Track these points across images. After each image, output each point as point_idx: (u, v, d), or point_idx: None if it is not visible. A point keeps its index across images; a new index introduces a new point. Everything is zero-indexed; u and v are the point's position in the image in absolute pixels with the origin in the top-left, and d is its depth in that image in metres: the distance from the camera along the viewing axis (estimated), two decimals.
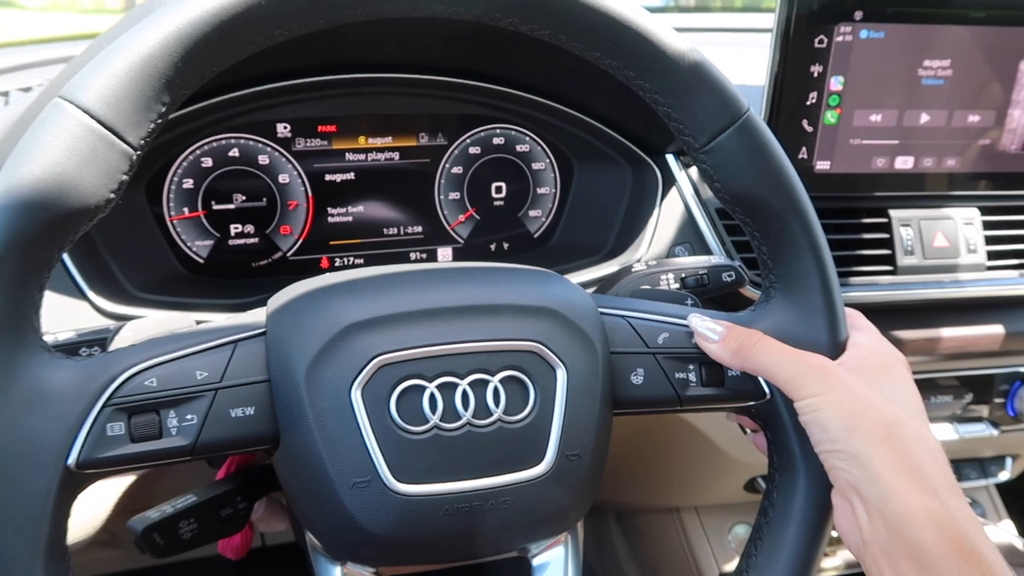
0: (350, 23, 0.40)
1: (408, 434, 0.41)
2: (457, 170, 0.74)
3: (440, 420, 0.42)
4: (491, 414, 0.43)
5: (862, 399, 0.42)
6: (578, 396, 0.45)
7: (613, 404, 0.48)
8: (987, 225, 0.76)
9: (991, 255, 0.75)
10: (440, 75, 0.71)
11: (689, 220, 0.71)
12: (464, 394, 0.42)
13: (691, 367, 0.49)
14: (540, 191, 0.77)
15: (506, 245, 0.78)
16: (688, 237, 0.71)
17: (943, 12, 0.69)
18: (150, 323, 0.51)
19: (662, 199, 0.71)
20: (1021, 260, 0.76)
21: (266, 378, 0.42)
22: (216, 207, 0.69)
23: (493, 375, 0.43)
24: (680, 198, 0.72)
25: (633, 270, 0.62)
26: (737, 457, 0.80)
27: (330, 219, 0.73)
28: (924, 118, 0.72)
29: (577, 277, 0.69)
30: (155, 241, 0.68)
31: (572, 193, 0.77)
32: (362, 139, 0.72)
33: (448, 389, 0.42)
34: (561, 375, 0.44)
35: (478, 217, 0.76)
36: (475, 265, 0.49)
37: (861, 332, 0.50)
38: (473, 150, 0.74)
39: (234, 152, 0.68)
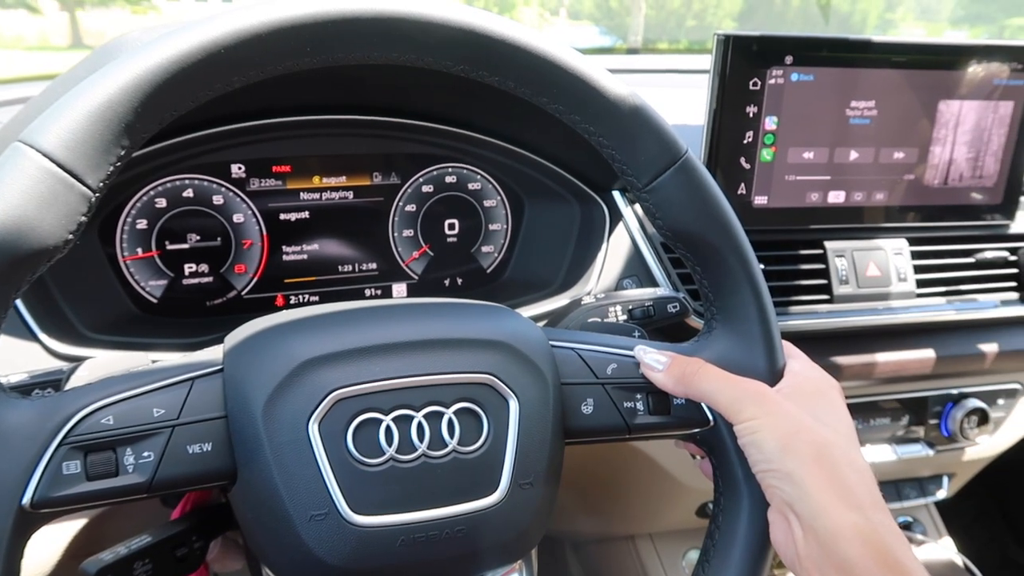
0: (307, 69, 0.42)
1: (365, 466, 0.42)
2: (411, 208, 0.76)
3: (396, 452, 0.43)
4: (446, 445, 0.44)
5: (796, 422, 0.45)
6: (530, 426, 0.46)
7: (564, 434, 0.49)
8: (915, 255, 0.80)
9: (920, 283, 0.80)
10: (393, 116, 0.73)
11: (636, 254, 0.74)
12: (419, 426, 0.44)
13: (639, 396, 0.51)
14: (492, 227, 0.79)
15: (460, 280, 0.79)
16: (635, 270, 0.74)
17: (867, 56, 0.74)
18: (106, 362, 0.52)
19: (609, 234, 0.74)
20: (948, 288, 0.81)
21: (223, 414, 0.43)
22: (170, 247, 0.69)
23: (447, 407, 0.45)
24: (627, 232, 0.75)
25: (583, 303, 0.64)
26: (688, 483, 0.82)
27: (285, 257, 0.73)
28: (853, 155, 0.76)
29: (529, 311, 0.71)
30: (107, 281, 0.68)
31: (523, 229, 0.79)
32: (316, 179, 0.73)
33: (404, 421, 0.43)
34: (513, 406, 0.46)
35: (432, 253, 0.78)
36: (428, 301, 0.51)
37: (795, 360, 0.53)
38: (426, 188, 0.76)
39: (188, 192, 0.69)
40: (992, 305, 0.82)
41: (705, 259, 0.51)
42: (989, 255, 0.82)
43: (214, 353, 0.46)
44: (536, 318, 0.70)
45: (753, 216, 0.76)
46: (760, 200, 0.76)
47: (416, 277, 0.78)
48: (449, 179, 0.77)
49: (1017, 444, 0.93)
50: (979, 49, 0.76)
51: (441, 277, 0.79)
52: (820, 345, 0.78)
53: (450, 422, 0.44)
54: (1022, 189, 0.82)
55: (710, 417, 0.51)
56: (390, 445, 0.43)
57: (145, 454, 0.40)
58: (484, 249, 0.79)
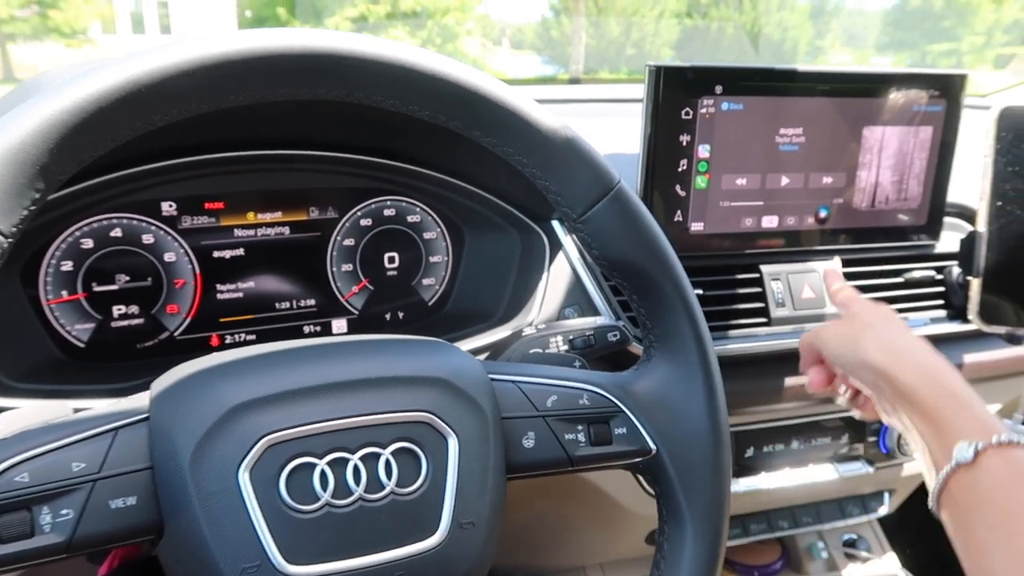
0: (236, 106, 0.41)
1: (299, 514, 0.41)
2: (349, 242, 0.75)
3: (331, 497, 0.42)
4: (383, 487, 0.43)
5: None
6: (470, 464, 0.46)
7: (507, 469, 0.49)
8: (848, 276, 0.82)
9: None
10: (328, 150, 0.72)
11: (577, 282, 0.74)
12: (355, 469, 0.43)
13: (580, 428, 0.51)
14: (432, 260, 0.78)
15: (401, 314, 0.78)
16: (577, 299, 0.74)
17: (793, 85, 0.76)
18: (23, 414, 0.49)
19: (550, 263, 0.74)
20: None
21: (148, 465, 0.41)
22: (97, 288, 0.67)
23: (384, 448, 0.44)
24: (567, 262, 0.75)
25: (524, 334, 0.64)
26: (635, 511, 0.82)
27: (219, 296, 0.72)
28: (784, 181, 0.78)
29: (471, 343, 0.70)
30: (30, 326, 0.65)
31: (464, 261, 0.79)
32: (251, 215, 0.72)
33: (339, 465, 0.42)
34: (453, 444, 0.45)
35: (372, 288, 0.77)
36: (363, 338, 0.50)
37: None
38: (364, 222, 0.75)
39: (116, 232, 0.67)
40: (922, 323, 0.84)
41: (641, 287, 0.51)
42: (917, 274, 0.85)
43: (140, 400, 0.44)
44: (478, 350, 0.69)
45: (690, 242, 0.77)
46: (696, 226, 0.77)
47: (356, 312, 0.77)
48: (388, 212, 0.76)
49: None
50: (899, 77, 0.79)
51: (382, 311, 0.78)
52: (760, 367, 0.79)
53: (387, 463, 0.43)
54: (945, 210, 0.85)
55: (652, 446, 0.51)
56: (325, 490, 0.42)
57: (63, 512, 0.38)
58: (425, 282, 0.79)
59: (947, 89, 0.80)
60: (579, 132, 0.50)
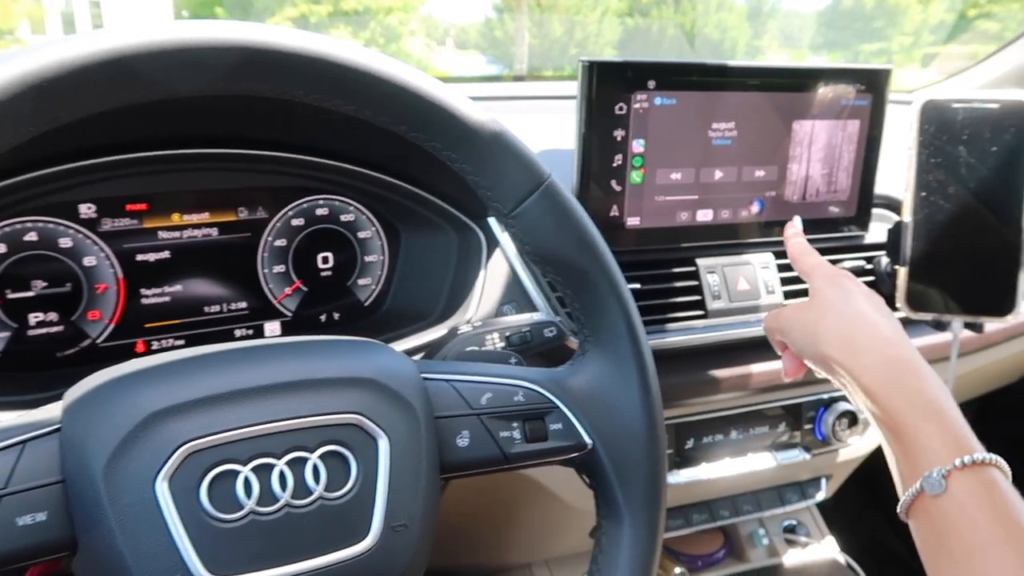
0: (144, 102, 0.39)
1: (221, 523, 0.40)
2: (280, 243, 0.73)
3: (256, 504, 0.40)
4: (311, 492, 0.42)
5: None
6: (402, 465, 0.45)
7: (441, 469, 0.48)
8: (781, 268, 0.83)
9: (787, 294, 0.83)
10: (257, 148, 0.70)
11: (514, 279, 0.74)
12: (281, 475, 0.41)
13: (515, 425, 0.50)
14: (368, 259, 0.77)
15: (337, 315, 0.77)
16: (514, 296, 0.74)
17: (725, 80, 0.77)
18: None
19: (487, 261, 0.74)
20: None
21: (60, 479, 0.39)
22: (12, 295, 0.64)
23: (312, 452, 0.42)
24: (505, 259, 0.74)
25: (459, 332, 0.63)
26: (578, 506, 0.82)
27: (144, 301, 0.69)
28: (718, 175, 0.79)
29: (408, 343, 0.69)
30: None
31: (400, 260, 0.78)
32: (176, 216, 0.69)
33: (264, 471, 0.41)
34: (384, 445, 0.44)
35: (305, 289, 0.75)
36: (288, 340, 0.49)
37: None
38: (296, 222, 0.73)
39: (31, 236, 0.64)
40: None
41: (574, 282, 0.51)
42: (848, 265, 0.86)
43: (51, 411, 0.42)
44: (414, 350, 0.68)
45: (627, 237, 0.77)
46: (633, 221, 0.77)
47: (290, 314, 0.75)
48: (320, 211, 0.74)
49: None
50: (826, 72, 0.80)
51: (317, 313, 0.76)
52: (698, 359, 0.80)
53: (315, 467, 0.42)
54: (873, 202, 0.87)
55: (587, 440, 0.51)
56: (249, 497, 0.40)
57: None
58: (361, 282, 0.77)
59: (873, 83, 0.82)
60: (510, 127, 0.50)
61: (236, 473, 0.40)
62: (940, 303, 0.80)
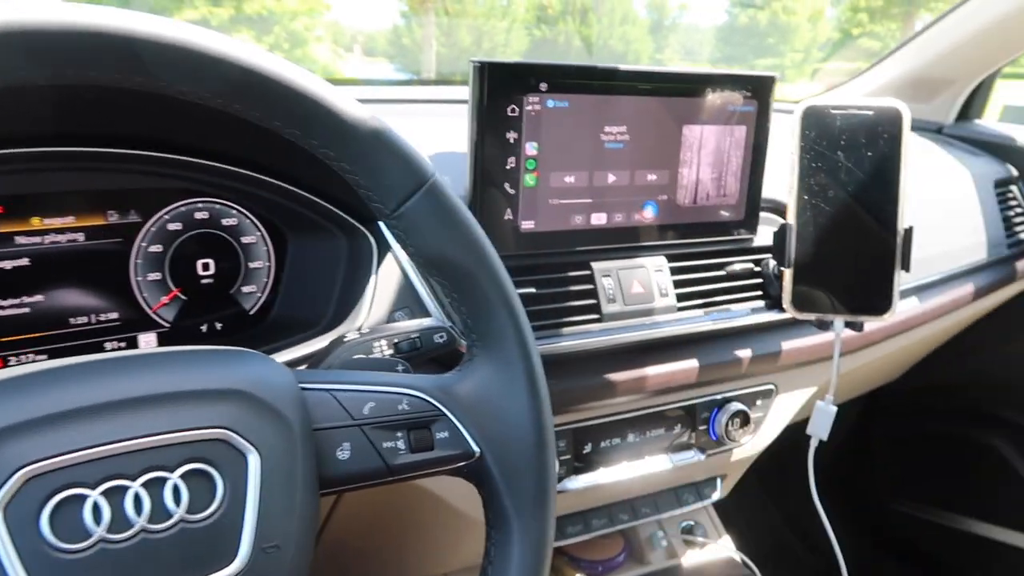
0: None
1: (66, 554, 0.36)
2: (156, 249, 0.69)
3: (107, 532, 0.37)
4: (171, 515, 0.39)
5: None
6: (274, 482, 0.42)
7: (320, 484, 0.45)
8: (674, 271, 0.84)
9: (680, 297, 0.84)
10: (128, 147, 0.65)
11: (407, 284, 0.72)
12: (136, 497, 0.38)
13: (399, 435, 0.48)
14: (252, 266, 0.73)
15: (219, 325, 0.73)
16: (407, 302, 0.72)
17: (615, 84, 0.77)
18: None
19: (378, 266, 0.71)
20: (705, 300, 0.86)
21: None
22: None
23: (172, 471, 0.39)
24: (396, 263, 0.72)
25: (346, 340, 0.60)
26: (475, 516, 0.80)
27: (0, 312, 0.63)
28: (611, 178, 0.80)
29: (293, 352, 0.66)
30: None
31: (287, 266, 0.74)
32: (36, 220, 0.64)
33: (116, 494, 0.38)
34: (254, 461, 0.42)
35: (184, 298, 0.71)
36: (151, 351, 0.45)
37: None
38: (173, 226, 0.69)
39: None
40: (744, 313, 0.88)
41: (460, 285, 0.50)
42: (738, 267, 0.89)
43: None
44: (299, 360, 0.65)
45: (522, 241, 0.76)
46: (527, 225, 0.76)
47: (167, 325, 0.70)
48: (199, 215, 0.70)
49: (783, 441, 1.01)
50: (714, 78, 0.82)
51: (197, 323, 0.72)
52: (593, 364, 0.80)
53: (175, 488, 0.39)
54: (760, 206, 0.89)
55: (475, 448, 0.49)
56: (99, 524, 0.37)
57: None
58: (245, 290, 0.73)
59: (758, 90, 0.85)
60: (402, 129, 0.48)
61: (84, 498, 0.37)
62: (823, 303, 0.82)
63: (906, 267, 0.81)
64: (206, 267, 0.71)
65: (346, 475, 0.46)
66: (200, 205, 0.70)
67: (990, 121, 1.55)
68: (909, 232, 0.81)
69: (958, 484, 1.71)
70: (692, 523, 1.08)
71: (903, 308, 1.06)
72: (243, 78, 0.42)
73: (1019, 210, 1.38)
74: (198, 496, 0.40)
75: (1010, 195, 1.37)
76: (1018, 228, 1.35)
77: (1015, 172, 1.41)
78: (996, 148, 1.44)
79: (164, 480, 0.39)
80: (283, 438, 0.43)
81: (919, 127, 1.51)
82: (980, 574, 1.67)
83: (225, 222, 0.71)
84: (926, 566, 1.74)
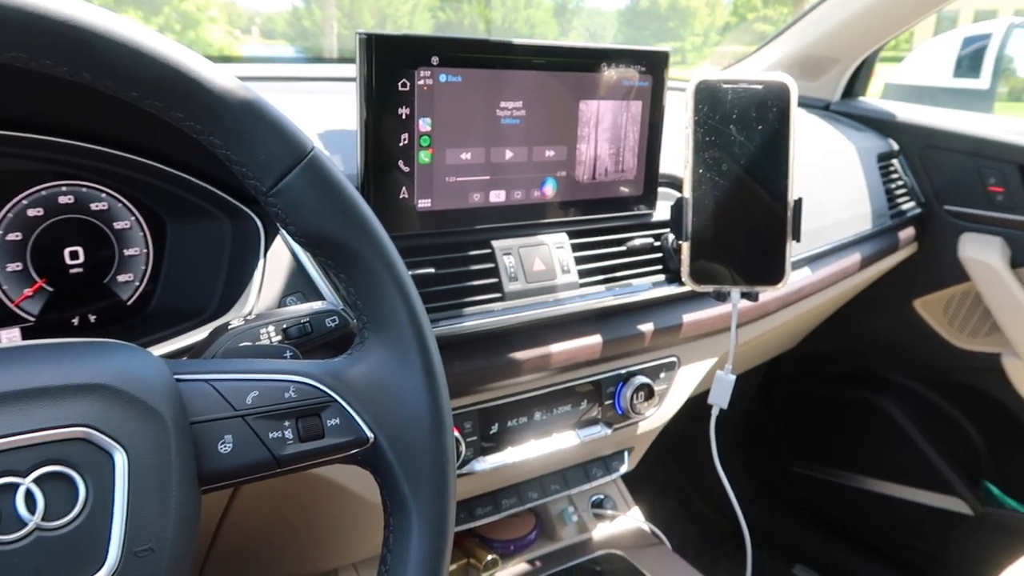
0: None
1: None
2: (14, 237, 0.63)
3: None
4: (24, 524, 0.35)
5: None
6: (145, 481, 0.39)
7: (200, 480, 0.42)
8: (575, 247, 0.84)
9: (581, 273, 0.84)
10: None
11: (298, 268, 0.69)
12: None
13: (287, 424, 0.46)
14: (128, 253, 0.68)
15: (93, 318, 0.68)
16: (299, 286, 0.68)
17: (510, 58, 0.76)
18: None
19: (266, 249, 0.68)
20: (606, 276, 0.86)
21: None
22: None
23: (23, 476, 0.36)
24: (286, 246, 0.69)
25: (230, 328, 0.57)
26: (379, 503, 0.78)
27: None
28: (508, 155, 0.78)
29: (175, 343, 0.62)
30: None
31: (167, 252, 0.70)
32: None
33: None
34: (120, 460, 0.38)
35: (51, 289, 0.65)
36: (2, 347, 0.41)
37: None
38: (33, 212, 0.64)
39: None
40: (645, 288, 0.89)
41: (347, 264, 0.47)
42: (638, 242, 0.89)
43: None
44: (182, 351, 0.61)
45: (419, 219, 0.74)
46: (424, 203, 0.74)
47: (32, 319, 0.65)
48: (64, 200, 0.65)
49: (689, 411, 1.03)
50: (609, 53, 0.82)
51: (67, 316, 0.66)
52: (497, 343, 0.79)
53: (29, 494, 0.36)
54: (658, 180, 0.90)
55: (368, 434, 0.47)
56: None
57: None
58: (121, 279, 0.68)
59: (653, 65, 0.85)
60: (282, 101, 0.45)
61: None
62: (720, 275, 0.84)
63: (796, 237, 0.83)
64: (75, 256, 0.66)
65: (229, 469, 0.44)
66: (64, 188, 0.65)
67: (873, 98, 1.62)
68: (798, 203, 0.83)
69: (851, 443, 1.81)
70: (602, 497, 1.09)
71: (796, 278, 1.10)
72: (91, 45, 0.38)
73: (900, 183, 1.45)
74: (56, 501, 0.36)
75: (892, 168, 1.44)
76: (900, 200, 1.42)
77: (896, 146, 1.48)
78: (878, 124, 1.51)
79: (15, 487, 0.35)
80: (154, 434, 0.40)
81: (808, 104, 1.57)
82: (873, 527, 1.77)
83: (94, 206, 0.66)
84: (824, 522, 1.83)
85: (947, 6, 1.38)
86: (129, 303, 0.69)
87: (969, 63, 1.73)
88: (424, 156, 0.73)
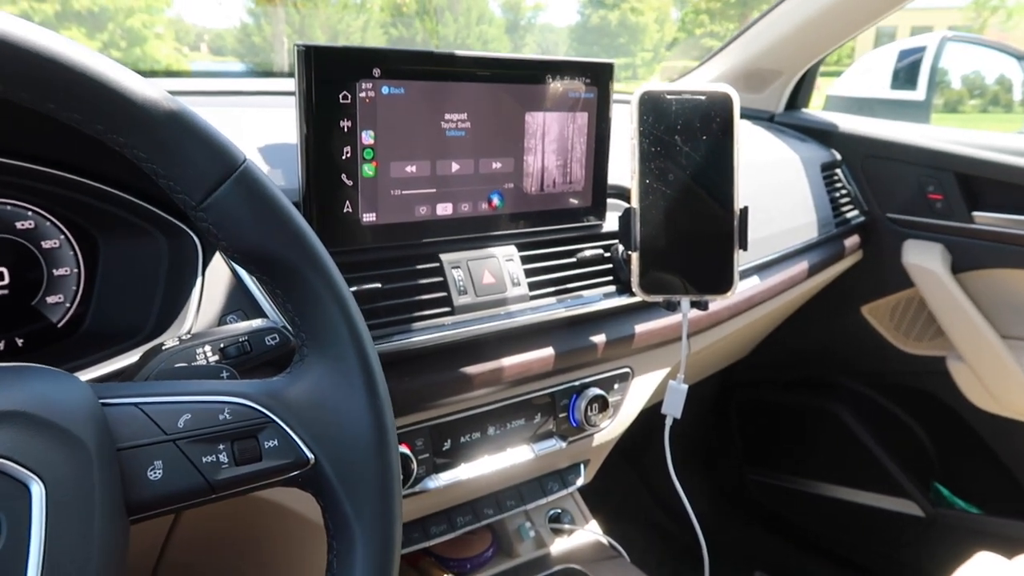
0: None
1: None
2: None
3: None
4: None
5: None
6: (66, 513, 0.37)
7: (128, 510, 0.40)
8: (525, 260, 0.83)
9: (532, 286, 0.83)
10: None
11: (239, 285, 0.67)
12: None
13: (221, 447, 0.44)
14: (57, 273, 0.66)
15: (20, 341, 0.64)
16: (240, 304, 0.66)
17: (454, 70, 0.75)
18: None
19: (205, 266, 0.66)
20: (556, 288, 0.86)
21: None
22: None
23: None
24: (226, 263, 0.67)
25: (164, 348, 0.55)
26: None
27: None
28: (455, 167, 0.77)
29: (109, 366, 0.60)
30: None
31: (100, 271, 0.67)
32: None
33: None
34: (37, 492, 0.36)
35: None
36: None
37: None
38: None
39: None
40: (597, 299, 0.89)
41: (283, 280, 0.46)
42: (588, 253, 0.89)
43: None
44: (114, 374, 0.59)
45: (364, 234, 0.73)
46: (369, 217, 0.73)
47: None
48: None
49: (644, 422, 1.03)
50: (553, 64, 0.82)
51: None
52: (448, 358, 0.77)
53: None
54: (607, 191, 0.90)
55: (308, 455, 0.46)
56: None
57: None
58: (50, 300, 0.66)
59: (597, 77, 0.85)
60: (190, 107, 0.43)
61: None
62: (670, 285, 0.84)
63: (743, 246, 0.84)
64: (0, 277, 0.63)
65: (159, 496, 0.42)
66: None
67: (815, 110, 1.66)
68: (744, 212, 0.83)
69: (805, 449, 1.83)
70: (559, 511, 1.08)
71: (745, 286, 1.11)
72: (4, 54, 0.36)
73: (844, 191, 1.48)
74: None
75: (835, 178, 1.47)
76: (844, 208, 1.45)
77: (838, 156, 1.52)
78: (821, 134, 1.54)
79: None
80: (75, 462, 0.38)
81: (752, 115, 1.60)
82: (829, 531, 1.79)
83: (20, 225, 0.63)
84: (781, 528, 1.85)
85: (882, 21, 1.42)
86: (60, 325, 0.66)
87: (905, 75, 1.78)
88: (368, 169, 0.72)
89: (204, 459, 0.43)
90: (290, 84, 1.09)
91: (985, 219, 1.38)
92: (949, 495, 1.68)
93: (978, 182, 1.38)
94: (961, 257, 1.42)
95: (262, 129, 0.80)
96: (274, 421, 0.45)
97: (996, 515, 1.60)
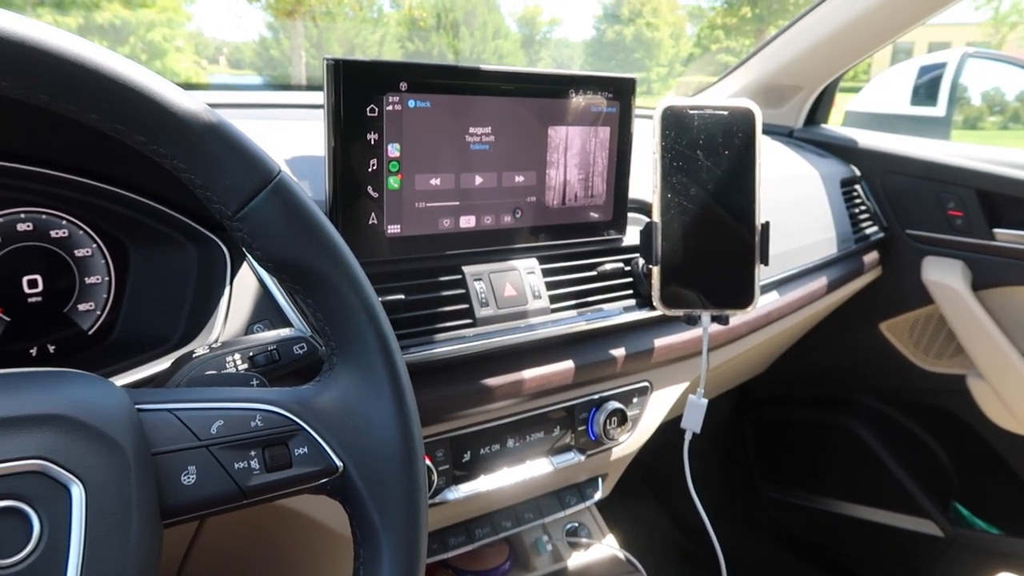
0: None
1: None
2: None
3: None
4: None
5: None
6: (104, 516, 0.37)
7: (162, 514, 0.41)
8: (546, 272, 0.84)
9: (553, 299, 0.84)
10: None
11: (266, 295, 0.68)
12: None
13: (253, 453, 0.45)
14: (89, 281, 0.67)
15: (52, 348, 0.66)
16: (267, 313, 0.67)
17: (478, 84, 0.76)
18: None
19: (233, 276, 0.67)
20: (577, 301, 0.86)
21: None
22: None
23: None
24: (253, 272, 0.68)
25: (195, 356, 0.55)
26: (347, 534, 0.76)
27: None
28: (478, 180, 0.78)
29: (139, 373, 0.61)
30: None
31: (131, 280, 0.68)
32: None
33: None
34: (77, 494, 0.37)
35: (8, 319, 0.63)
36: None
37: None
38: None
39: None
40: (617, 313, 0.89)
41: (314, 289, 0.47)
42: (608, 267, 0.89)
43: None
44: (145, 381, 0.60)
45: (388, 246, 0.74)
46: (393, 229, 0.74)
47: None
48: (23, 227, 0.63)
49: (662, 437, 1.02)
50: (576, 79, 0.83)
51: (26, 347, 0.64)
52: (469, 369, 0.78)
53: None
54: (628, 206, 0.91)
55: (338, 463, 0.46)
56: None
57: None
58: (82, 307, 0.67)
59: (620, 92, 0.86)
60: (227, 119, 0.44)
61: None
62: (690, 299, 0.84)
63: (764, 261, 0.84)
64: (33, 284, 0.64)
65: (193, 502, 0.42)
66: (23, 215, 0.63)
67: (834, 126, 1.66)
68: (766, 227, 0.84)
69: (823, 467, 1.82)
70: (576, 525, 1.08)
71: (765, 301, 1.11)
72: (51, 65, 0.37)
73: (863, 207, 1.48)
74: (8, 538, 0.35)
75: (855, 193, 1.47)
76: (863, 224, 1.45)
77: (858, 172, 1.51)
78: (840, 150, 1.54)
79: None
80: (114, 466, 0.38)
81: (772, 131, 1.60)
82: (846, 550, 1.78)
83: (54, 234, 0.65)
84: (798, 547, 1.83)
85: (901, 38, 1.43)
86: (90, 332, 0.67)
87: (925, 91, 1.78)
88: (393, 182, 0.73)
89: (236, 465, 0.44)
90: (308, 96, 1.12)
91: (1006, 236, 1.37)
92: (968, 515, 1.66)
93: (999, 199, 1.38)
94: (981, 274, 1.41)
95: (284, 141, 0.81)
96: (304, 429, 0.46)
97: (1016, 535, 1.58)
